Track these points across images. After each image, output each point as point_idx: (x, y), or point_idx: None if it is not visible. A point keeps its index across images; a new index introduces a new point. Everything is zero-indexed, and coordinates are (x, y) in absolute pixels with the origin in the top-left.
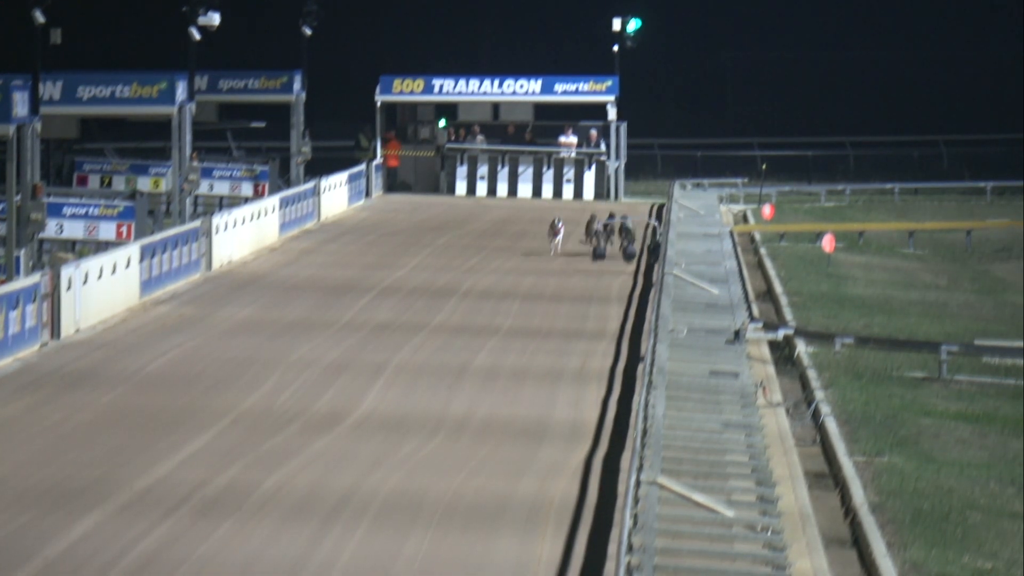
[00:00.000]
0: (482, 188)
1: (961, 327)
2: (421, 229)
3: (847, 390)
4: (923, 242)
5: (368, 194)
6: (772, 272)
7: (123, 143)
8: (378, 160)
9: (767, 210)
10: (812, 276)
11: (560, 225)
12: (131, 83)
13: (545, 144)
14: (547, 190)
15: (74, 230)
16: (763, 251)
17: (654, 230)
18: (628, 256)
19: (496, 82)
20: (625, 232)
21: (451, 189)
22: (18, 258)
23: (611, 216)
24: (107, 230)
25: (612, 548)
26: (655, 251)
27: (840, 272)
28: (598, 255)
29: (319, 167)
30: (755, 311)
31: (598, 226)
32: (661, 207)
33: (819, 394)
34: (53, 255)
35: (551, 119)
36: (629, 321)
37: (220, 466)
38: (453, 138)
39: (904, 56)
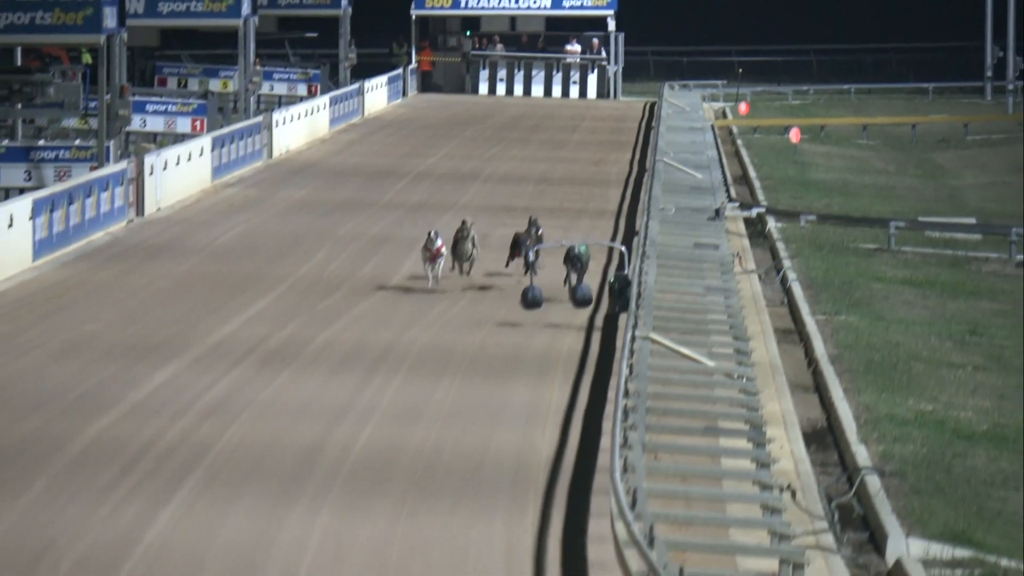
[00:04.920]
0: (501, 89)
1: (907, 206)
2: (449, 124)
3: (810, 259)
4: (875, 134)
5: (405, 94)
6: (747, 160)
7: (197, 50)
8: (413, 64)
9: (743, 107)
10: (781, 163)
11: (439, 242)
12: None
13: (554, 51)
14: (556, 90)
15: (155, 124)
16: (739, 142)
17: (622, 257)
18: (579, 301)
19: None
20: (574, 262)
21: (475, 89)
22: (108, 148)
23: (531, 224)
24: (183, 124)
25: (611, 393)
26: (623, 294)
27: (805, 160)
28: (531, 302)
29: (363, 71)
30: (733, 193)
31: (529, 250)
32: (653, 105)
33: (787, 263)
34: (138, 145)
35: (559, 30)
36: (626, 201)
37: (279, 324)
38: (477, 46)
39: None
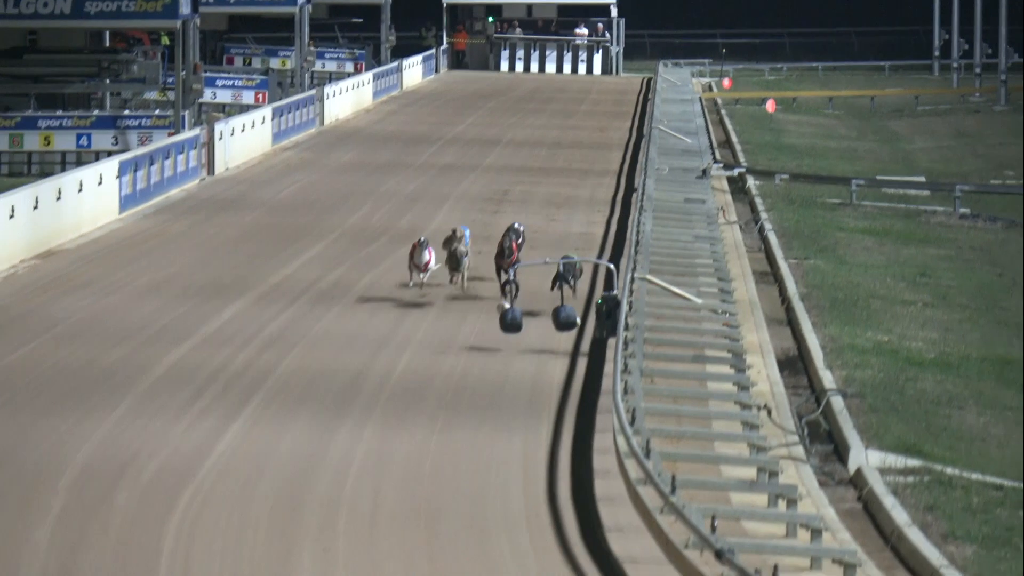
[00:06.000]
0: (519, 66)
1: (866, 167)
2: (475, 96)
3: (784, 212)
4: (840, 105)
5: (437, 70)
6: (730, 127)
7: (259, 33)
8: (444, 45)
9: (726, 82)
10: (759, 130)
11: (429, 250)
12: None
13: (565, 34)
14: (567, 68)
15: (224, 96)
16: (723, 112)
17: (609, 275)
18: (563, 323)
19: None
20: (564, 279)
21: (497, 67)
22: (184, 117)
23: (513, 230)
24: (248, 96)
25: None
26: (611, 316)
27: (779, 127)
28: (510, 324)
29: (401, 51)
30: (718, 155)
31: (510, 275)
32: (650, 80)
33: (763, 215)
34: (209, 114)
35: (569, 16)
36: (626, 163)
37: (330, 267)
38: (499, 30)
39: None
